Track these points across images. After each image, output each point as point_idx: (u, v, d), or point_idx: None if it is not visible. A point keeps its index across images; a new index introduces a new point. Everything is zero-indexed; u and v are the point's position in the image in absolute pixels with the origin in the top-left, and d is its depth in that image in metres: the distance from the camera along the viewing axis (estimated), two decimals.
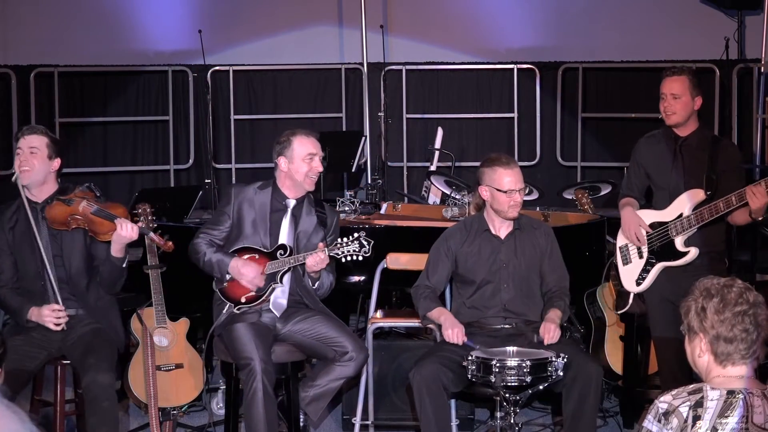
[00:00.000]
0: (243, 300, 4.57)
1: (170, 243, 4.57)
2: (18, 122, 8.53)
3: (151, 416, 4.69)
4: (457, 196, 6.02)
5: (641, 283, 4.68)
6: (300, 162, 4.60)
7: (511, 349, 4.28)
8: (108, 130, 9.08)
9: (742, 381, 2.64)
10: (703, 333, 2.67)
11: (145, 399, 4.73)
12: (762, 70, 8.42)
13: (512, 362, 4.04)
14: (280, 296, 4.62)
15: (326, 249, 4.48)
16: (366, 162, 8.37)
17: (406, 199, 7.37)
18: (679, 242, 4.57)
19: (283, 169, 4.64)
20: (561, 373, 4.09)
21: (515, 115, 8.94)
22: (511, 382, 4.03)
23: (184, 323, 5.01)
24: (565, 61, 8.96)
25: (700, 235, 4.56)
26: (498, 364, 4.03)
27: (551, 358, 4.07)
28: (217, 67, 8.87)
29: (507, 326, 4.51)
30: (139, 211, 4.73)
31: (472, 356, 4.11)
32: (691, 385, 2.66)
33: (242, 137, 9.05)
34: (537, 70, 8.94)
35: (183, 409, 4.98)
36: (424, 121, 9.02)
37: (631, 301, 4.77)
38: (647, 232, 4.65)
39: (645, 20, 9.15)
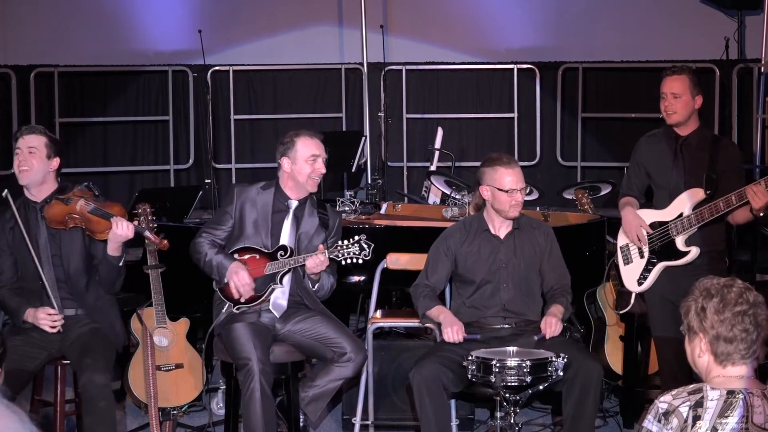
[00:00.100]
0: (242, 300, 4.57)
1: (165, 241, 4.58)
2: (18, 122, 8.53)
3: (151, 416, 4.69)
4: (457, 196, 6.02)
5: (643, 283, 4.68)
6: (303, 163, 4.59)
7: (511, 349, 4.28)
8: (108, 130, 9.08)
9: (742, 381, 2.64)
10: (703, 333, 2.67)
11: (145, 399, 4.73)
12: (762, 70, 8.42)
13: (512, 362, 4.04)
14: (280, 297, 4.62)
15: (326, 251, 4.48)
16: (366, 162, 8.36)
17: (406, 199, 7.37)
18: (679, 242, 4.57)
19: (286, 170, 4.63)
20: (561, 373, 4.09)
21: (515, 115, 8.94)
22: (511, 382, 4.03)
23: (184, 323, 5.01)
24: (565, 61, 8.96)
25: (700, 235, 4.56)
26: (498, 364, 4.03)
27: (551, 358, 4.08)
28: (217, 67, 8.87)
29: (506, 326, 4.51)
30: (139, 211, 4.73)
31: (472, 356, 4.11)
32: (691, 385, 2.66)
33: (242, 137, 9.05)
34: (537, 70, 8.94)
35: (183, 409, 4.98)
36: (424, 121, 9.02)
37: (632, 301, 4.77)
38: (648, 233, 4.66)
39: (645, 20, 9.15)
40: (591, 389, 4.21)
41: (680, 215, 4.57)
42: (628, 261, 4.76)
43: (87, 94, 9.07)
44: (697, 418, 2.59)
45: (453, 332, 4.35)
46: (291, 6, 9.38)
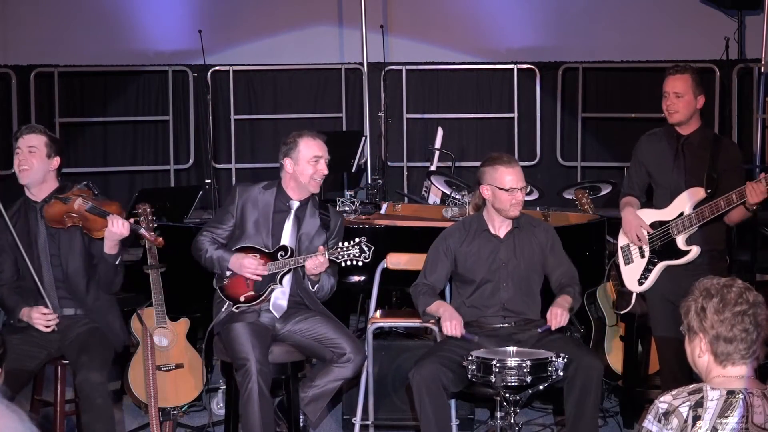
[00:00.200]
0: (242, 299, 4.57)
1: (160, 239, 4.60)
2: (18, 122, 8.53)
3: (151, 416, 4.69)
4: (457, 196, 6.01)
5: (644, 283, 4.68)
6: (305, 164, 4.59)
7: (511, 349, 4.28)
8: (108, 130, 9.08)
9: (742, 381, 2.64)
10: (702, 333, 2.67)
11: (145, 399, 4.73)
12: (762, 70, 8.42)
13: (512, 362, 4.04)
14: (280, 297, 4.62)
15: (326, 252, 4.48)
16: (366, 162, 8.36)
17: (406, 199, 7.37)
18: (680, 241, 4.57)
19: (288, 171, 4.63)
20: (561, 373, 4.09)
21: (515, 115, 8.94)
22: (511, 382, 4.03)
23: (184, 323, 5.01)
24: (565, 61, 8.96)
25: (700, 234, 4.56)
26: (498, 364, 4.03)
27: (551, 358, 4.08)
28: (217, 67, 8.87)
29: (506, 325, 4.51)
30: (139, 210, 4.73)
31: (472, 356, 4.11)
32: (691, 385, 2.66)
33: (242, 137, 9.05)
34: (537, 70, 8.94)
35: (183, 409, 4.98)
36: (424, 121, 9.02)
37: (633, 301, 4.77)
38: (648, 233, 4.66)
39: (645, 20, 9.15)
40: (592, 386, 4.22)
41: (681, 214, 4.57)
42: (628, 261, 4.76)
43: (87, 94, 9.07)
44: (697, 418, 2.59)
45: (452, 326, 4.34)
46: (291, 6, 9.38)
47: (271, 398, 4.45)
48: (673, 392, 2.65)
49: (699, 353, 2.70)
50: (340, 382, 4.62)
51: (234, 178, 8.80)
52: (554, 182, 8.28)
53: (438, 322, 4.53)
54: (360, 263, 4.49)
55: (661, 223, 4.63)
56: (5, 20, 9.16)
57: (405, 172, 8.89)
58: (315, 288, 4.62)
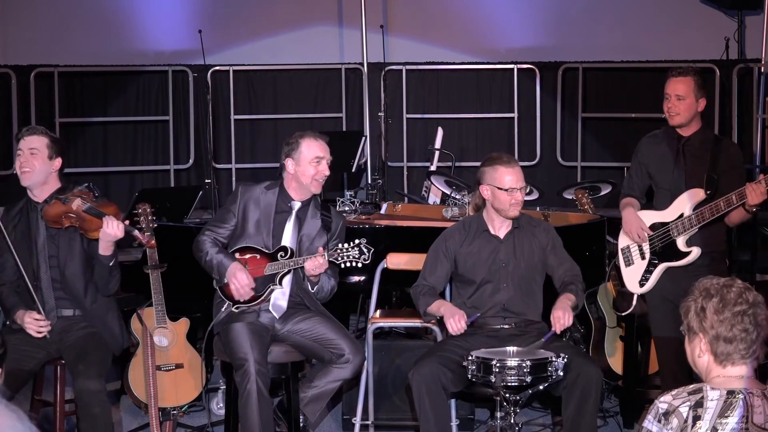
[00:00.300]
0: (242, 300, 4.57)
1: (153, 241, 4.64)
2: (18, 122, 8.54)
3: (151, 416, 4.70)
4: (457, 196, 6.01)
5: (644, 284, 4.68)
6: (307, 165, 4.59)
7: (511, 349, 4.27)
8: (108, 130, 9.08)
9: (742, 381, 2.64)
10: (702, 333, 2.67)
11: (145, 399, 4.73)
12: (762, 70, 8.42)
13: (512, 362, 4.03)
14: (280, 298, 4.62)
15: (325, 254, 4.47)
16: (366, 162, 8.36)
17: (406, 199, 7.37)
18: (680, 242, 4.57)
19: (290, 171, 4.63)
20: (561, 373, 4.09)
21: (515, 115, 8.94)
22: (511, 382, 4.02)
23: (184, 323, 5.01)
24: (565, 61, 8.96)
25: (701, 235, 4.56)
26: (498, 364, 4.02)
27: (551, 358, 4.07)
28: (217, 67, 8.87)
29: (506, 326, 4.51)
30: (139, 211, 4.73)
31: (472, 356, 4.11)
32: (691, 385, 2.66)
33: (242, 137, 9.05)
34: (537, 70, 8.93)
35: (183, 409, 4.98)
36: (424, 121, 9.02)
37: (634, 302, 4.77)
38: (648, 234, 4.66)
39: (645, 20, 9.15)
40: (591, 393, 4.19)
41: (681, 216, 4.57)
42: (629, 262, 4.75)
43: (87, 94, 9.07)
44: (697, 418, 2.59)
45: (456, 322, 4.32)
46: (291, 6, 9.38)
47: (271, 398, 4.44)
48: (673, 392, 2.65)
49: (699, 353, 2.70)
50: (339, 382, 4.62)
51: (234, 178, 8.80)
52: (554, 182, 8.28)
53: (439, 321, 4.53)
54: (359, 265, 4.49)
55: (661, 225, 4.63)
56: (5, 20, 9.16)
57: (405, 172, 8.89)
58: (315, 289, 4.62)
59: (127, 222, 4.44)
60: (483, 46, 9.28)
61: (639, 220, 4.68)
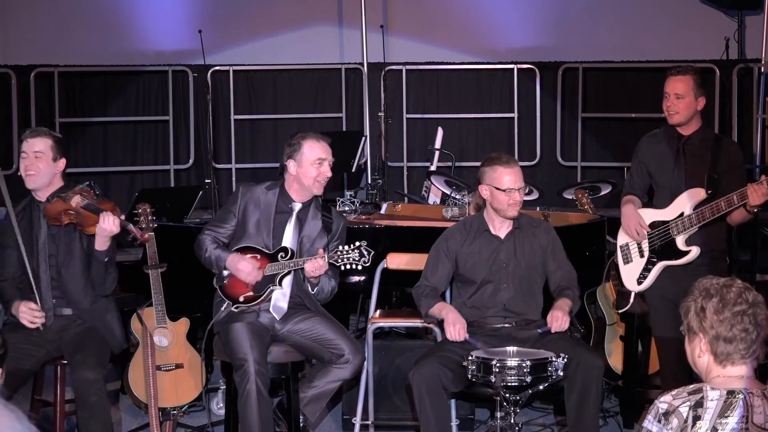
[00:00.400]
0: (241, 299, 4.57)
1: (147, 235, 4.66)
2: (18, 122, 8.54)
3: (151, 416, 4.70)
4: (457, 196, 6.01)
5: (642, 282, 4.68)
6: (309, 166, 4.58)
7: (511, 349, 4.27)
8: (108, 130, 9.08)
9: (742, 381, 2.63)
10: (702, 333, 2.66)
11: (145, 399, 4.73)
12: (762, 70, 8.42)
13: (512, 362, 4.03)
14: (280, 299, 4.61)
15: (325, 256, 4.47)
16: (366, 162, 8.35)
17: (406, 199, 7.36)
18: (680, 241, 4.57)
19: (292, 172, 4.62)
20: (561, 373, 4.09)
21: (515, 115, 8.94)
22: (511, 382, 4.03)
23: (184, 323, 5.01)
24: (565, 61, 8.95)
25: (701, 235, 4.56)
26: (498, 364, 4.02)
27: (551, 358, 4.07)
28: (217, 67, 8.86)
29: (507, 326, 4.51)
30: (140, 211, 4.74)
31: (472, 356, 4.11)
32: (691, 385, 2.66)
33: (242, 137, 9.05)
34: (537, 70, 8.93)
35: (183, 409, 4.98)
36: (424, 121, 9.02)
37: (632, 300, 4.77)
38: (647, 232, 4.66)
39: (645, 20, 9.15)
40: (592, 384, 4.21)
41: (681, 215, 4.56)
42: (627, 260, 4.75)
43: (87, 94, 9.06)
44: (697, 418, 2.59)
45: (455, 331, 4.34)
46: (291, 6, 9.38)
47: (270, 398, 4.44)
48: (673, 392, 2.65)
49: (699, 353, 2.70)
50: (338, 383, 4.62)
51: (234, 178, 8.80)
52: (554, 182, 8.28)
53: (439, 322, 4.53)
54: (359, 267, 4.48)
55: (661, 223, 4.63)
56: (5, 20, 9.16)
57: (405, 172, 8.89)
58: (315, 290, 4.61)
59: (122, 217, 4.45)
60: (483, 46, 9.27)
61: (638, 216, 4.68)
